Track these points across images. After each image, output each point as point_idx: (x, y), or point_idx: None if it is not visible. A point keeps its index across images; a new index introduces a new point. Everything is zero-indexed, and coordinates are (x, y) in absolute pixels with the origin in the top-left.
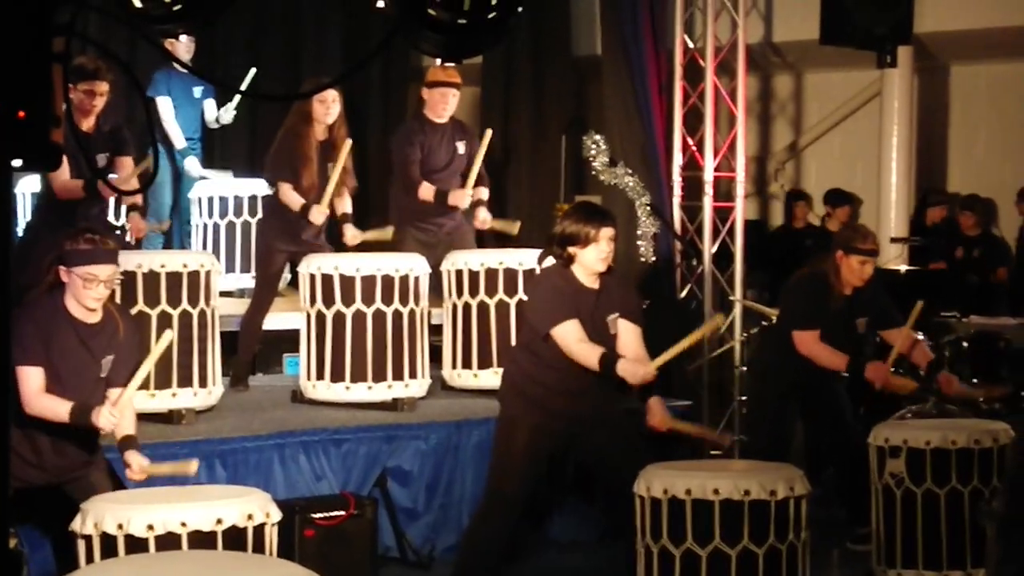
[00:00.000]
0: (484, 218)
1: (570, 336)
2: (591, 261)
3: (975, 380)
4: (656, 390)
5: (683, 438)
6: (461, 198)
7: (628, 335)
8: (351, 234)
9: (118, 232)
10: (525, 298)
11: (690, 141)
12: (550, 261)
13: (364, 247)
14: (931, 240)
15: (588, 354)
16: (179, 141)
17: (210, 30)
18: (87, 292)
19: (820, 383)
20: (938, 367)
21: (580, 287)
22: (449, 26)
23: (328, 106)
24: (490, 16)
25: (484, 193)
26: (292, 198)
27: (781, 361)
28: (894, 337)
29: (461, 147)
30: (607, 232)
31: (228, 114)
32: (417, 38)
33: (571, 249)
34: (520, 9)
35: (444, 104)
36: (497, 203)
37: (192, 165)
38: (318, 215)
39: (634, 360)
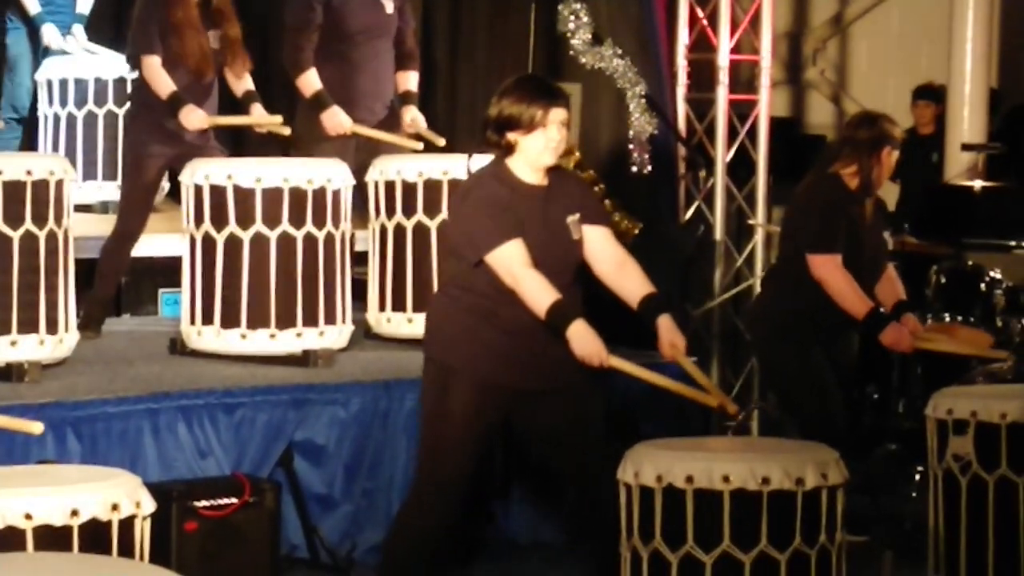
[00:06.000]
0: (413, 118)
1: (513, 260)
2: (536, 152)
3: None
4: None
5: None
6: (336, 119)
7: (601, 241)
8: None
9: None
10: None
11: (700, 12)
12: (481, 161)
13: (263, 146)
14: None
15: (537, 292)
16: (31, 2)
17: None
18: None
19: (833, 339)
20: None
21: (521, 186)
22: None
23: None
24: None
25: (412, 81)
26: (160, 79)
27: (792, 301)
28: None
29: (389, 3)
30: (558, 114)
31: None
32: None
33: (511, 136)
34: None
35: None
36: (441, 97)
37: (51, 35)
38: (193, 118)
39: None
